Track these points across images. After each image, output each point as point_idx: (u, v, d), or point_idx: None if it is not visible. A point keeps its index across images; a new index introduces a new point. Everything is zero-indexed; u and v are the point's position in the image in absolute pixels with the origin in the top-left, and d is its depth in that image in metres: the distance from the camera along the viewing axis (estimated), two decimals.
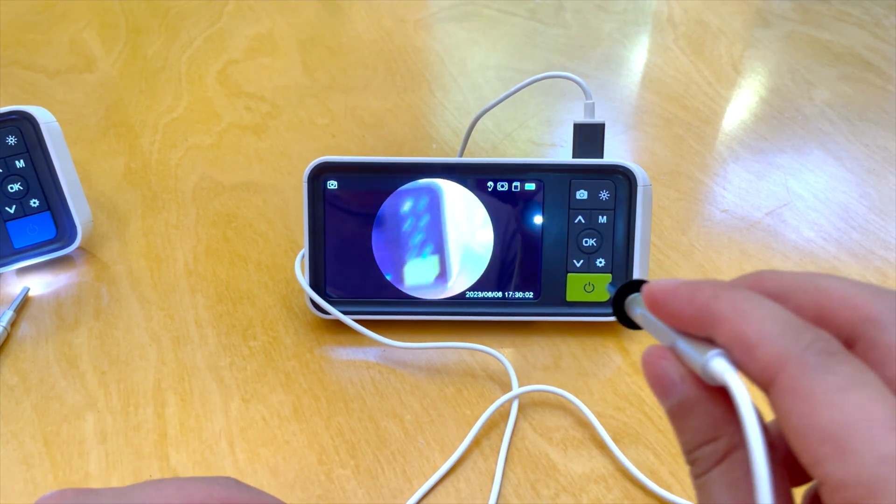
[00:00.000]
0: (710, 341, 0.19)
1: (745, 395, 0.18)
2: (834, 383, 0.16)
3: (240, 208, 0.56)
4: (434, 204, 0.44)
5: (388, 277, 0.44)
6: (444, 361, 0.44)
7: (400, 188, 0.44)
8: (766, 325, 0.18)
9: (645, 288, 0.21)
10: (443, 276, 0.45)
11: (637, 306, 0.24)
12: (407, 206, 0.44)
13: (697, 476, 0.20)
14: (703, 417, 0.20)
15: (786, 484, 0.19)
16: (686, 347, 0.20)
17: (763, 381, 0.18)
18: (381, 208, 0.44)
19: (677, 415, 0.21)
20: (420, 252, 0.44)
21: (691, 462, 0.20)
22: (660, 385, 0.21)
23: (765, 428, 0.20)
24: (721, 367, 0.18)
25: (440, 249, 0.45)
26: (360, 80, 0.74)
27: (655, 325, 0.22)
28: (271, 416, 0.40)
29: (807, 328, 0.18)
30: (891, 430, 0.15)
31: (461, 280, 0.45)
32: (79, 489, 0.25)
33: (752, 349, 0.18)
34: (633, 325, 0.25)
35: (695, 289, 0.20)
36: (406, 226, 0.44)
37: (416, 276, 0.44)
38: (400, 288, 0.45)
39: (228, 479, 0.27)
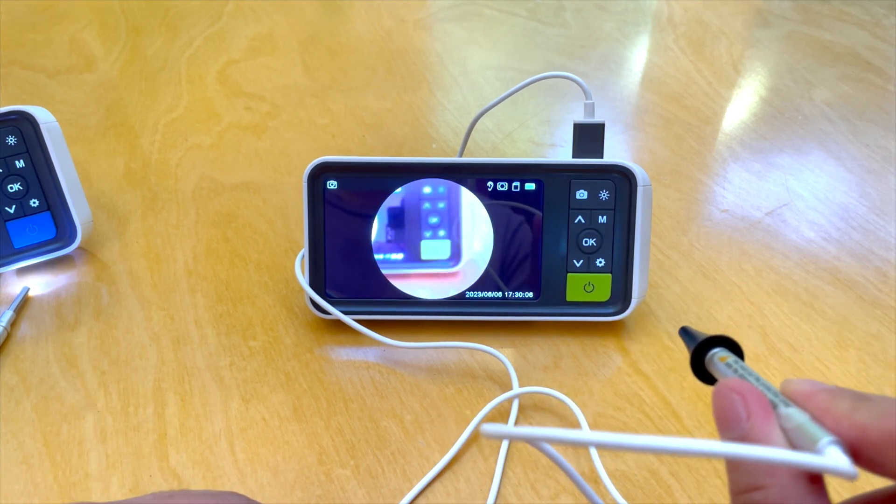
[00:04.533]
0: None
1: (847, 466, 0.18)
2: None
3: (240, 208, 0.56)
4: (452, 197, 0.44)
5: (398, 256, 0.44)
6: (444, 361, 0.44)
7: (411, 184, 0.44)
8: None
9: (785, 385, 0.22)
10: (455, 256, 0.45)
11: (721, 362, 0.24)
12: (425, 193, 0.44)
13: None
14: (760, 461, 0.20)
15: None
16: (805, 420, 0.21)
17: None
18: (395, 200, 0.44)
19: None
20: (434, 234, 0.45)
21: None
22: (725, 417, 0.21)
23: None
24: (836, 457, 0.19)
25: (453, 234, 0.45)
26: (360, 80, 0.74)
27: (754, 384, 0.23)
28: (271, 416, 0.40)
29: None
30: None
31: (469, 267, 0.45)
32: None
33: None
34: (709, 380, 0.25)
35: (833, 398, 0.20)
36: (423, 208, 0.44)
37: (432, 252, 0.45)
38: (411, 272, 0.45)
39: (239, 495, 0.27)
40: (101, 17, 0.87)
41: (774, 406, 0.21)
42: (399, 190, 0.44)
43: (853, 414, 0.20)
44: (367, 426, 0.40)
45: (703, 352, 0.25)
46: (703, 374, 0.25)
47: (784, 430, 0.21)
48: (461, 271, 0.45)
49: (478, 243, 0.45)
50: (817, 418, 0.21)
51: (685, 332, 0.27)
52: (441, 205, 0.44)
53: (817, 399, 0.21)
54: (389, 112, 0.68)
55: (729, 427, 0.21)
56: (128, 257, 0.51)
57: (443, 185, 0.44)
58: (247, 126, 0.66)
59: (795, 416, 0.21)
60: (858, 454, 0.19)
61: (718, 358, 0.25)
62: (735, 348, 0.25)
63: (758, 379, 0.23)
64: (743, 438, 0.20)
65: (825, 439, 0.19)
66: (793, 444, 0.20)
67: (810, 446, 0.20)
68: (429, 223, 0.44)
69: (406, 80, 0.74)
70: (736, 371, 0.24)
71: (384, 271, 0.45)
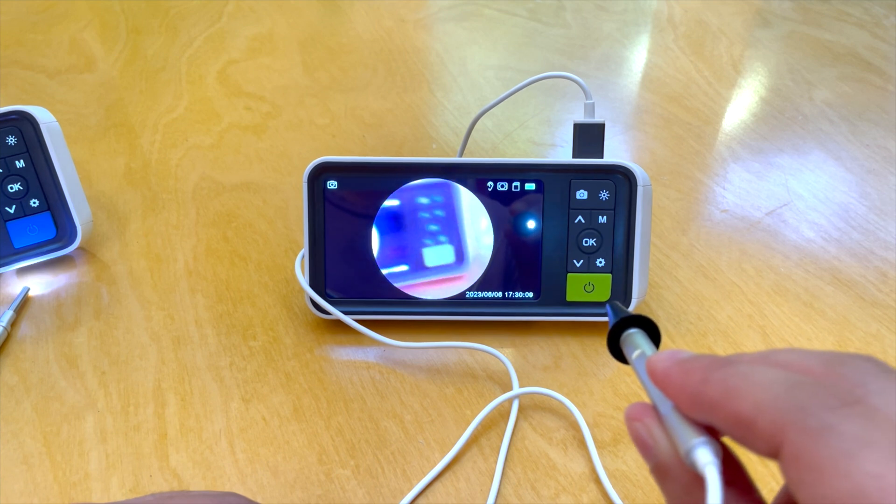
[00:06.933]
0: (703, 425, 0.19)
1: (716, 492, 0.17)
2: (839, 448, 0.15)
3: (240, 208, 0.56)
4: (448, 198, 0.44)
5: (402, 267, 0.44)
6: (444, 361, 0.44)
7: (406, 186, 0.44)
8: (761, 394, 0.17)
9: (647, 364, 0.21)
10: (460, 260, 0.45)
11: (632, 348, 0.23)
12: (422, 200, 0.44)
13: None
14: (677, 482, 0.19)
15: None
16: (675, 424, 0.19)
17: (771, 453, 0.16)
18: (392, 204, 0.44)
19: (656, 474, 0.20)
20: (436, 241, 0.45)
21: None
22: (638, 445, 0.21)
23: None
24: (704, 459, 0.18)
25: (455, 239, 0.45)
26: (360, 80, 0.74)
27: (645, 383, 0.22)
28: (271, 416, 0.40)
29: (804, 385, 0.16)
30: None
31: (475, 267, 0.45)
32: None
33: (751, 425, 0.17)
34: (623, 360, 0.24)
35: (685, 373, 0.19)
36: (421, 215, 0.44)
37: (435, 259, 0.45)
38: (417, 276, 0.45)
39: (239, 495, 0.27)
40: (101, 17, 0.87)
41: (661, 414, 0.20)
42: (395, 200, 0.44)
43: (704, 389, 0.18)
44: (367, 426, 0.40)
45: (618, 334, 0.24)
46: (621, 354, 0.24)
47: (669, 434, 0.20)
48: (467, 273, 0.45)
49: (479, 243, 0.45)
50: (678, 403, 0.19)
51: (611, 308, 0.26)
52: (439, 212, 0.44)
53: (672, 377, 0.19)
54: (389, 112, 0.68)
55: (646, 456, 0.21)
56: (128, 257, 0.51)
57: (439, 194, 0.44)
58: (247, 126, 0.66)
59: (667, 419, 0.20)
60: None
61: (627, 344, 0.24)
62: (653, 329, 0.24)
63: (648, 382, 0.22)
64: (658, 466, 0.20)
65: (691, 442, 0.18)
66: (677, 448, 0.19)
67: (685, 452, 0.18)
68: (428, 230, 0.44)
69: (406, 80, 0.74)
70: (634, 364, 0.23)
71: (395, 284, 0.45)
